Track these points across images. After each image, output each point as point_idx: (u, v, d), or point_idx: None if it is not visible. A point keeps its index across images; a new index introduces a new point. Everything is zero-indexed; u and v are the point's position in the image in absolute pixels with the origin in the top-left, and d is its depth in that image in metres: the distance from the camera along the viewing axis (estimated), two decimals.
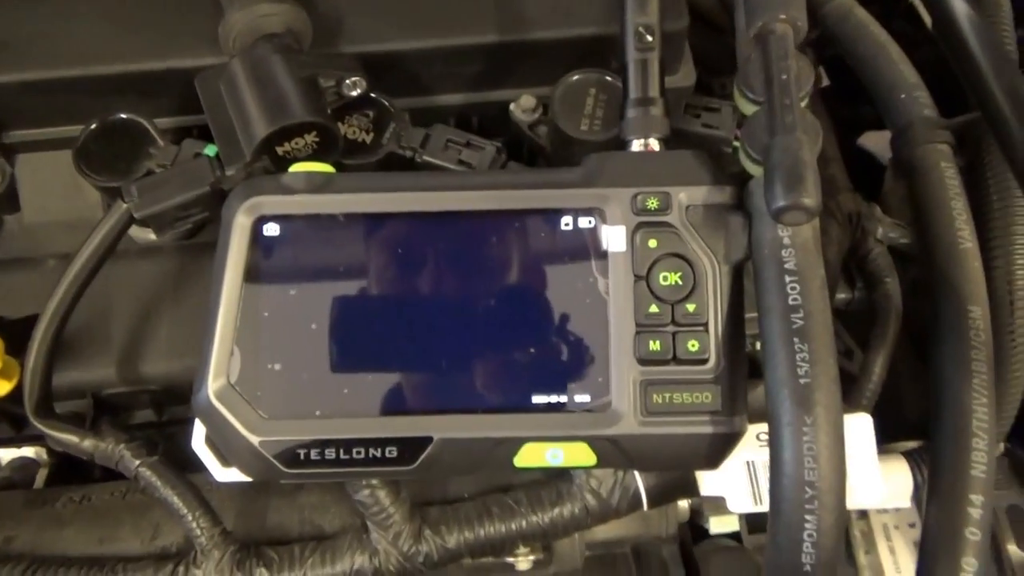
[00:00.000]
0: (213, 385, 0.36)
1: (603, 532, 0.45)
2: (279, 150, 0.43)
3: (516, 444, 0.37)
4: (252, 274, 0.38)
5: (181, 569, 0.43)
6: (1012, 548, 0.50)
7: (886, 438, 0.51)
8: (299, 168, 0.39)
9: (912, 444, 0.52)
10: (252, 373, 0.37)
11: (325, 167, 0.39)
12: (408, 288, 0.38)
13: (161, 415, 0.51)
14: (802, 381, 0.33)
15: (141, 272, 0.48)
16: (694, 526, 0.53)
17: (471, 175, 0.41)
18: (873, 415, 0.46)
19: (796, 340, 0.34)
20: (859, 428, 0.40)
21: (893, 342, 0.49)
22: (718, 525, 0.45)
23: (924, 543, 0.38)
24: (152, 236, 0.51)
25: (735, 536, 0.53)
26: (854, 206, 0.53)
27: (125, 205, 0.42)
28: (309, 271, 0.38)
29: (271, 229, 0.38)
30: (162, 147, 0.46)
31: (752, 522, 0.52)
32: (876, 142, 0.73)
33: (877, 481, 0.40)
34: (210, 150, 0.44)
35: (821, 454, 0.32)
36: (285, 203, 0.38)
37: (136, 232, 0.51)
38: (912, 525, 0.53)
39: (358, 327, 0.38)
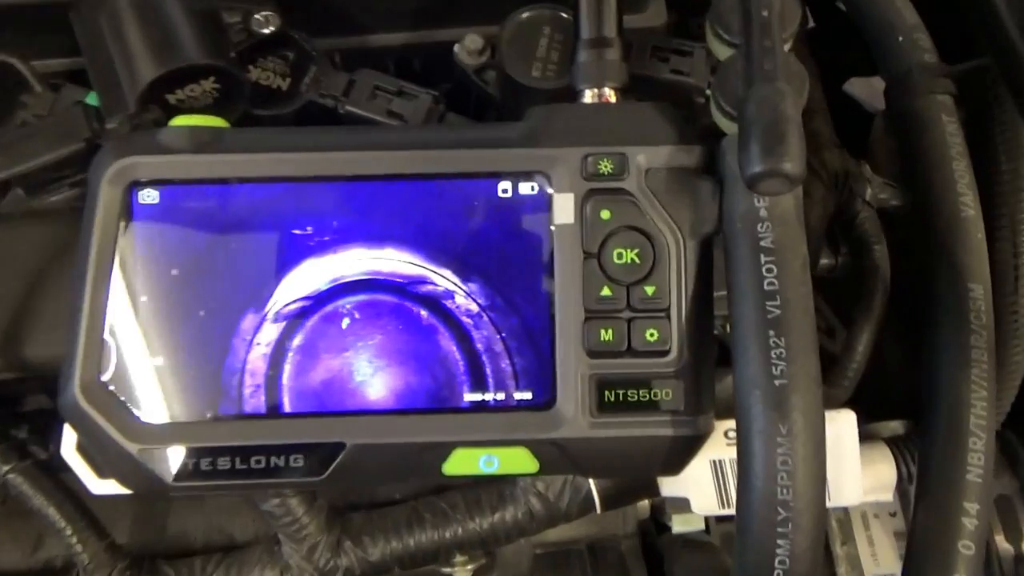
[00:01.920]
0: (80, 384, 0.31)
1: (554, 534, 0.41)
2: (171, 99, 0.37)
3: (444, 450, 0.32)
4: (125, 252, 0.31)
5: None
6: (1000, 540, 0.46)
7: (867, 417, 0.47)
8: (181, 122, 0.32)
9: (895, 424, 0.47)
10: (128, 369, 0.31)
11: (214, 120, 0.33)
12: (320, 266, 0.32)
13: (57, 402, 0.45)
14: (777, 382, 0.28)
15: (24, 239, 0.42)
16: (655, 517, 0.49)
17: (392, 131, 0.35)
18: (854, 394, 0.41)
19: (771, 333, 0.28)
20: (842, 426, 0.36)
21: (880, 317, 0.44)
22: (682, 524, 0.40)
23: (911, 552, 0.34)
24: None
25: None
26: (841, 164, 0.48)
27: None
28: (195, 248, 0.32)
29: (147, 196, 0.32)
30: (38, 94, 0.39)
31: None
32: (862, 89, 0.68)
33: (859, 481, 0.36)
34: (92, 99, 0.38)
35: (797, 468, 0.28)
36: (164, 165, 0.32)
37: (21, 196, 0.44)
38: (893, 514, 0.49)
39: (254, 315, 0.32)
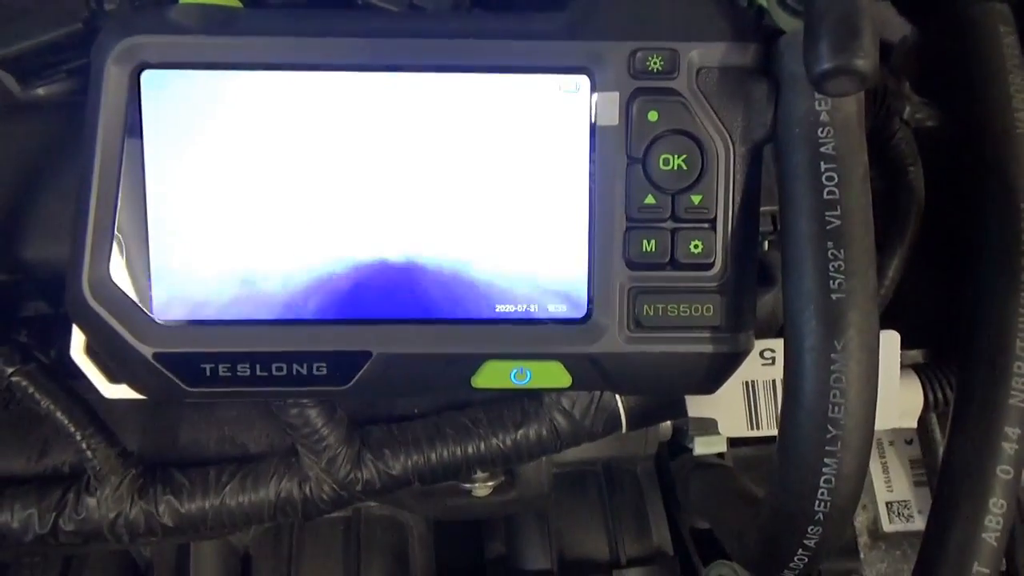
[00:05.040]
0: (89, 280, 0.29)
1: (573, 453, 0.40)
2: None
3: (475, 362, 0.30)
4: (134, 141, 0.29)
5: (71, 496, 0.36)
6: None
7: None
8: None
9: (914, 352, 0.46)
10: (140, 267, 0.29)
11: None
12: (339, 164, 0.30)
13: (57, 306, 0.43)
14: (834, 296, 0.27)
15: (17, 133, 0.39)
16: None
17: (422, 19, 0.32)
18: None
19: (830, 244, 0.27)
20: (884, 347, 0.34)
21: (912, 241, 0.43)
22: (704, 446, 0.40)
23: (946, 476, 0.33)
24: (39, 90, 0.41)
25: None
26: (879, 79, 0.45)
27: None
28: (210, 138, 0.29)
29: (156, 81, 0.29)
30: None
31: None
32: None
33: (895, 405, 0.35)
34: None
35: (851, 387, 0.26)
36: (174, 46, 0.29)
37: (12, 83, 0.41)
38: (909, 442, 0.49)
39: (276, 211, 0.30)
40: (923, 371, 0.42)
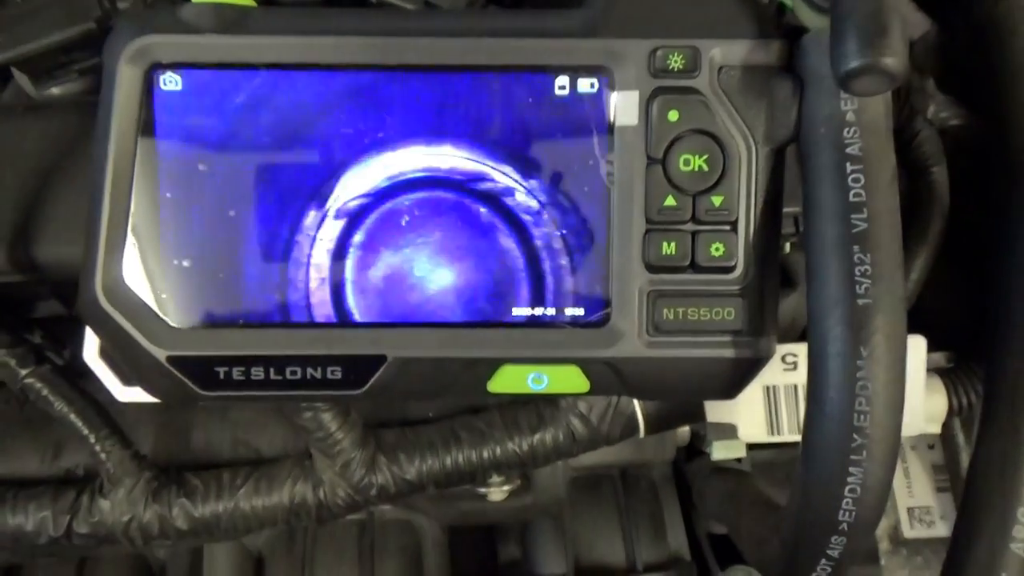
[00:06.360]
0: (102, 283, 0.28)
1: (589, 457, 0.39)
2: None
3: (491, 366, 0.30)
4: (147, 143, 0.29)
5: (85, 499, 0.36)
6: None
7: None
8: None
9: (937, 355, 0.45)
10: (154, 270, 0.29)
11: None
12: (353, 164, 0.29)
13: (72, 307, 0.43)
14: (860, 301, 0.26)
15: (31, 134, 0.39)
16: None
17: (437, 17, 0.32)
18: None
19: (856, 248, 0.26)
20: (912, 352, 0.34)
21: (936, 244, 0.42)
22: (722, 451, 0.39)
23: (971, 485, 0.33)
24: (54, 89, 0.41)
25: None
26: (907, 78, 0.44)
27: None
28: (223, 140, 0.29)
29: (170, 81, 0.29)
30: None
31: None
32: None
33: (921, 411, 0.34)
34: None
35: (877, 395, 0.26)
36: (188, 46, 0.29)
37: (27, 84, 0.41)
38: (931, 446, 0.48)
39: (291, 213, 0.29)
40: (947, 375, 0.41)
